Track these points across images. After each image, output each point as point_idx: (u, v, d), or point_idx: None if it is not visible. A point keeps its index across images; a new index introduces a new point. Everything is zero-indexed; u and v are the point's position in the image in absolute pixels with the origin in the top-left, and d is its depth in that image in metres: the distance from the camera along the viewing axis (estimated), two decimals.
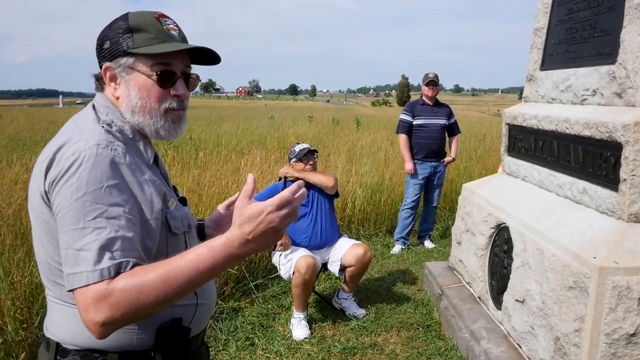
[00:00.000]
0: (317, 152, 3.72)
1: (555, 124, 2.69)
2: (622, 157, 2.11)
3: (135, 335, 1.08)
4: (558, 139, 2.69)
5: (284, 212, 0.93)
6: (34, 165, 1.08)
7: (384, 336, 3.26)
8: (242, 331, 3.26)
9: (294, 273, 3.18)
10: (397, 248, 5.21)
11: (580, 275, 2.01)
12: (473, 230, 3.31)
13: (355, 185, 5.94)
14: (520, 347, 2.51)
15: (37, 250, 1.10)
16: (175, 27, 1.15)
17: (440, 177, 5.29)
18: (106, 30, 1.12)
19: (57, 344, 1.08)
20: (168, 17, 1.15)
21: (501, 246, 2.89)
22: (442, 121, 5.21)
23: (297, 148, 3.63)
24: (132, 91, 1.11)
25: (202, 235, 1.42)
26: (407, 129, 5.14)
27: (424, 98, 5.26)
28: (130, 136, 1.12)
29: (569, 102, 2.75)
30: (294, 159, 3.61)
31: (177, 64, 1.13)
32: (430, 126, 5.15)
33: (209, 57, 1.19)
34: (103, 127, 1.07)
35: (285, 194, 0.93)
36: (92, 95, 1.20)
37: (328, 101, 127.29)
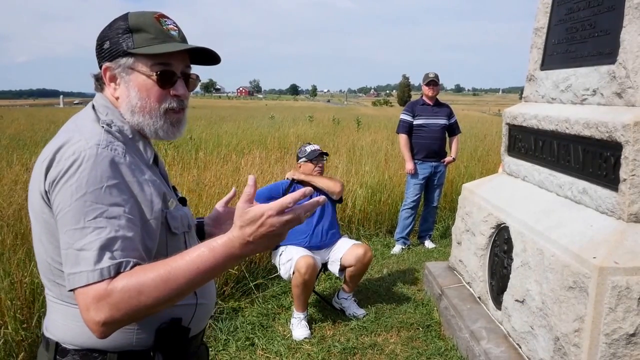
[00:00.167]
0: (327, 155, 3.73)
1: (555, 124, 2.69)
2: (622, 157, 2.11)
3: (134, 335, 1.08)
4: (558, 139, 2.69)
5: (285, 217, 0.92)
6: (34, 165, 1.08)
7: (384, 336, 3.26)
8: (242, 331, 3.26)
9: (294, 273, 3.18)
10: (397, 248, 5.21)
11: (580, 275, 2.01)
12: (473, 230, 3.31)
13: (356, 185, 5.94)
14: (520, 347, 2.51)
15: (37, 250, 1.10)
16: (175, 27, 1.15)
17: (441, 177, 5.29)
18: (106, 30, 1.13)
19: (57, 344, 1.08)
20: (168, 18, 1.16)
21: (501, 246, 2.89)
22: (443, 121, 5.21)
23: (308, 149, 3.62)
24: (132, 91, 1.11)
25: (202, 233, 1.42)
26: (408, 129, 5.14)
27: (424, 98, 5.26)
28: (130, 136, 1.12)
29: (569, 102, 2.75)
30: (304, 159, 3.60)
31: (177, 64, 1.13)
32: (431, 126, 5.15)
33: (208, 57, 1.19)
34: (103, 127, 1.07)
35: (286, 199, 0.93)
36: (93, 96, 1.20)
37: (329, 101, 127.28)
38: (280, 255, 3.37)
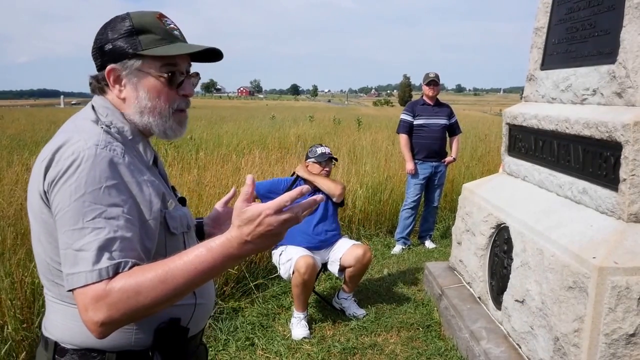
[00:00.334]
0: (337, 160, 3.73)
1: (555, 124, 2.68)
2: (622, 156, 2.10)
3: (133, 334, 1.08)
4: (558, 139, 2.68)
5: (283, 217, 0.92)
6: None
7: (384, 336, 3.26)
8: (242, 331, 3.26)
9: (293, 273, 3.19)
10: (397, 248, 5.21)
11: (579, 275, 2.01)
12: (473, 231, 3.31)
13: (356, 185, 5.94)
14: (520, 347, 2.51)
15: (36, 250, 1.10)
16: (175, 27, 1.16)
17: (441, 177, 5.29)
18: (106, 31, 1.11)
19: (56, 343, 1.09)
20: (167, 17, 1.16)
21: (501, 246, 2.89)
22: (443, 121, 5.21)
23: (319, 150, 3.62)
24: (142, 93, 1.11)
25: (201, 234, 1.42)
26: (408, 129, 5.14)
27: (424, 98, 5.26)
28: (130, 137, 1.12)
29: (569, 101, 2.74)
30: (313, 160, 3.60)
31: (182, 64, 1.14)
32: (431, 126, 5.14)
33: (209, 54, 1.19)
34: (102, 127, 1.07)
35: (284, 198, 0.92)
36: (93, 96, 1.20)
37: (329, 101, 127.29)
38: (280, 254, 3.38)
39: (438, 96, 5.27)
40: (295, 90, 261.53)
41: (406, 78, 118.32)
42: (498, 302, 2.83)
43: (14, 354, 2.57)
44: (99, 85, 1.15)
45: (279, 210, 0.92)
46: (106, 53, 1.10)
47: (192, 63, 1.19)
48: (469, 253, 3.36)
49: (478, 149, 9.55)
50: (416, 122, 5.14)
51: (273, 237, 0.94)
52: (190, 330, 1.17)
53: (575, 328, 2.00)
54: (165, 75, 1.11)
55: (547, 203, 2.68)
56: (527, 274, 2.45)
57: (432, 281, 3.76)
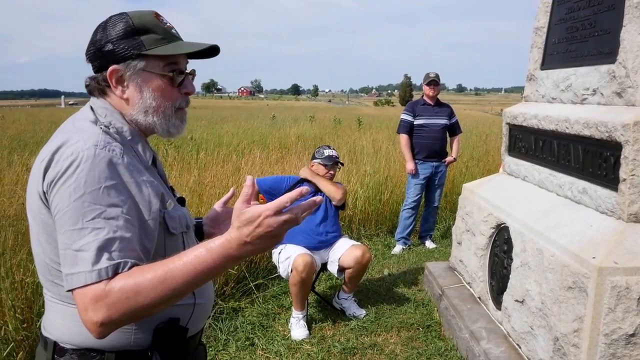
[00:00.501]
0: (342, 164, 3.74)
1: (555, 124, 2.68)
2: (622, 156, 2.10)
3: (132, 334, 1.08)
4: (558, 139, 2.68)
5: (283, 218, 0.92)
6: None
7: (384, 336, 3.26)
8: (242, 331, 3.26)
9: (291, 271, 3.18)
10: (398, 248, 5.21)
11: (579, 275, 2.01)
12: (473, 231, 3.31)
13: (356, 185, 5.94)
14: (520, 348, 2.51)
15: (35, 250, 1.10)
16: (171, 25, 1.16)
17: (442, 177, 5.29)
18: (105, 31, 1.11)
19: (55, 343, 1.09)
20: (162, 15, 1.17)
21: (501, 246, 2.89)
22: (443, 121, 5.21)
23: (326, 152, 3.63)
24: (146, 92, 1.11)
25: (201, 234, 1.42)
26: (408, 129, 5.14)
27: (425, 98, 5.26)
28: (129, 138, 1.13)
29: (569, 101, 2.74)
30: (319, 161, 3.60)
31: (182, 63, 1.15)
32: (431, 126, 5.14)
33: (205, 51, 1.19)
34: (101, 128, 1.07)
35: (283, 199, 0.92)
36: None
37: (330, 101, 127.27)
38: (280, 253, 3.38)
39: (439, 96, 5.27)
40: (295, 90, 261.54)
41: (407, 78, 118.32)
42: (498, 302, 2.83)
43: (14, 354, 2.57)
44: (98, 87, 1.14)
45: (278, 212, 0.92)
46: (106, 54, 1.10)
47: (188, 60, 1.20)
48: (469, 253, 3.36)
49: (479, 149, 9.55)
50: (416, 122, 5.14)
51: (272, 239, 0.94)
52: (189, 330, 1.17)
53: (575, 328, 2.00)
54: (170, 74, 1.12)
55: (547, 203, 2.68)
56: (527, 274, 2.45)
57: (432, 281, 3.76)
